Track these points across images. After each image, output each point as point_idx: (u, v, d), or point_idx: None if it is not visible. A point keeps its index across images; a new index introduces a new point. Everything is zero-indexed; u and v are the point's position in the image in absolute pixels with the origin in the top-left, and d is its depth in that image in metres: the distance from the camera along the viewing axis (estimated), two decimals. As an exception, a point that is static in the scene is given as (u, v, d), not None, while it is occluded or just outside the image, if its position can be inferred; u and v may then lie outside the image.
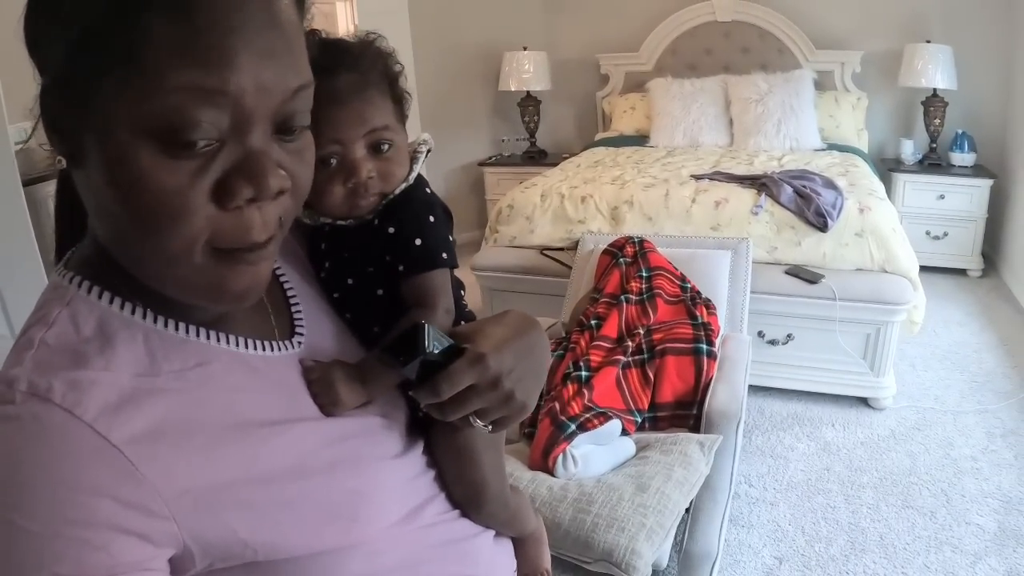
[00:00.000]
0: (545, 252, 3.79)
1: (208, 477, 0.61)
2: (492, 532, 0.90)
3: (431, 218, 0.85)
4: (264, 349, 0.72)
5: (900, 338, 3.44)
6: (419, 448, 0.83)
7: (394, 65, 0.87)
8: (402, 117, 0.87)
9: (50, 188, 2.50)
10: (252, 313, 0.73)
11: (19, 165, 2.16)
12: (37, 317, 0.62)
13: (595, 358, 2.53)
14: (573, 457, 2.11)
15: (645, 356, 2.54)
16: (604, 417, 2.25)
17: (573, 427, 2.18)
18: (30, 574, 0.51)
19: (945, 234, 4.92)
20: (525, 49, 5.87)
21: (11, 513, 0.52)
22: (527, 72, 5.86)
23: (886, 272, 3.35)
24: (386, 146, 0.83)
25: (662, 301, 2.75)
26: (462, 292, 0.92)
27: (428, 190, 0.88)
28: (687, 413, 2.43)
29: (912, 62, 4.94)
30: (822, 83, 5.21)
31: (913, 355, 3.85)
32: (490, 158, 6.21)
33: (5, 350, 0.59)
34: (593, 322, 2.71)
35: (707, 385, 2.43)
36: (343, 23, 5.03)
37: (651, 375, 2.48)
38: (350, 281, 0.85)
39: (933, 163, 5.00)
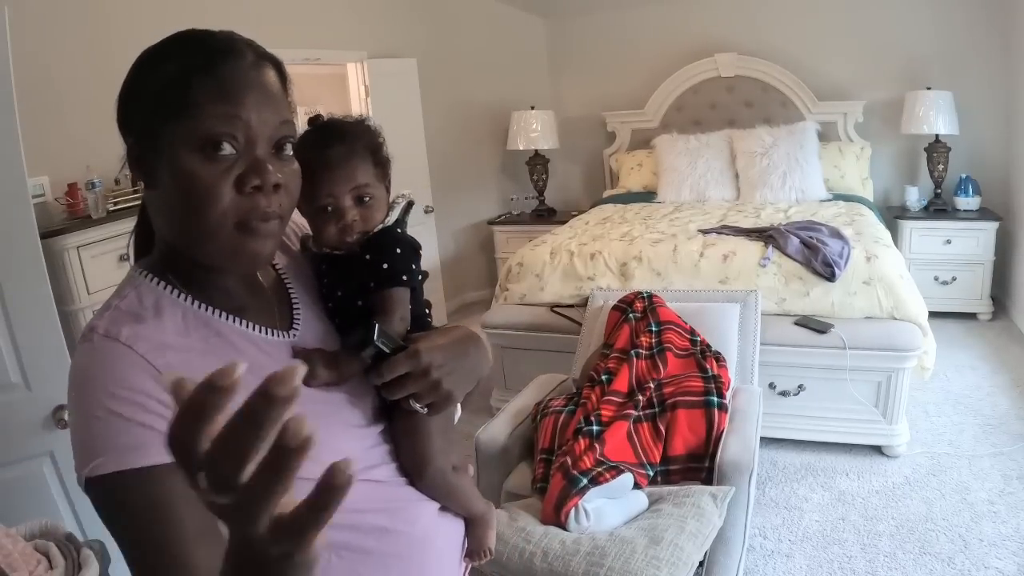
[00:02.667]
0: (555, 309, 3.84)
1: None
2: (437, 505, 1.09)
3: (397, 250, 1.11)
4: (267, 333, 0.99)
5: (912, 384, 3.45)
6: (379, 428, 1.05)
7: (376, 138, 1.16)
8: (382, 176, 1.15)
9: (66, 241, 2.73)
10: (262, 309, 1.01)
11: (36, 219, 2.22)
12: (115, 294, 0.93)
13: (606, 412, 2.56)
14: (586, 511, 2.14)
15: (656, 410, 2.57)
16: (616, 471, 2.28)
17: (585, 481, 2.20)
18: (100, 444, 0.79)
19: (953, 279, 4.94)
20: (532, 108, 6.01)
21: (87, 407, 0.81)
22: (535, 131, 5.99)
23: (895, 319, 3.37)
24: (367, 198, 1.11)
25: (672, 355, 2.79)
26: (427, 310, 1.18)
27: (399, 230, 1.14)
28: (699, 466, 2.45)
29: (913, 109, 5.02)
30: (825, 134, 5.30)
31: (926, 401, 3.86)
32: (499, 217, 6.33)
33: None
34: (603, 377, 2.75)
35: (719, 437, 2.46)
36: (354, 85, 5.20)
37: (662, 428, 2.51)
38: (339, 294, 1.11)
39: (938, 208, 5.05)
